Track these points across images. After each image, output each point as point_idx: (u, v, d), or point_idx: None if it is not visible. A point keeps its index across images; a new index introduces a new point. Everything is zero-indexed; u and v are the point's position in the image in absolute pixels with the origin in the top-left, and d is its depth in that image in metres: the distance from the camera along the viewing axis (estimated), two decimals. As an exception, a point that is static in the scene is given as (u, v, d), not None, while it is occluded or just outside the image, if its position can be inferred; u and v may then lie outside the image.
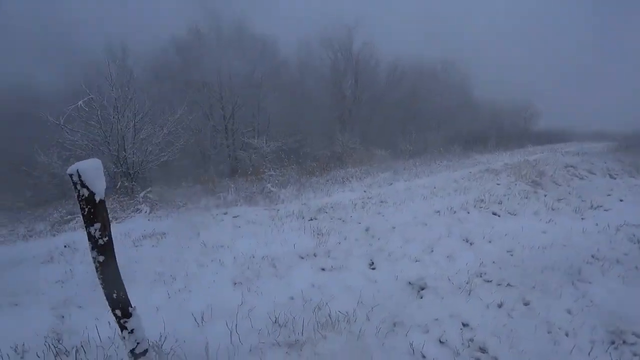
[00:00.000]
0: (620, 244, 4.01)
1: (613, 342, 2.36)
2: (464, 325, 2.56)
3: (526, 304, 2.82)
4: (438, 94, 28.23)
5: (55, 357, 2.36)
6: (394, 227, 4.84)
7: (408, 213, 5.49)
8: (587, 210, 5.46)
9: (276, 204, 7.14)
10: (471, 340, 2.39)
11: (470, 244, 4.18)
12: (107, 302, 1.73)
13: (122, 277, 1.79)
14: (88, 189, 1.55)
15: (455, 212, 5.34)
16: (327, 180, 10.43)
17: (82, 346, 2.40)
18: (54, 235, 7.44)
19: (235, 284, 3.46)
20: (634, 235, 4.21)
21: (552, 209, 5.45)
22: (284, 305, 2.90)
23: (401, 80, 27.28)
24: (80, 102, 9.01)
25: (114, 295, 1.72)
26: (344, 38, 25.39)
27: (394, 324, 2.59)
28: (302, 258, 4.01)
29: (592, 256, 3.65)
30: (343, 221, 5.35)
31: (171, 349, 2.21)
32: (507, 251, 3.90)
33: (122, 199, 9.77)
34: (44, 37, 24.06)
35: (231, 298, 3.09)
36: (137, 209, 8.30)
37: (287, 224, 5.35)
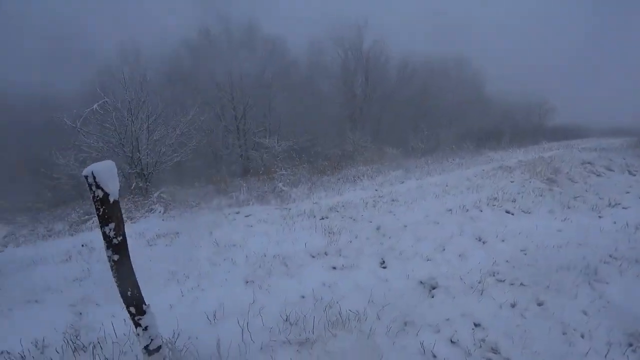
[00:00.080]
0: (640, 242, 3.90)
1: (631, 345, 2.30)
2: (476, 325, 2.54)
3: (540, 304, 2.77)
4: (449, 90, 27.85)
5: (73, 352, 2.43)
6: (405, 226, 4.81)
7: (419, 212, 5.46)
8: (605, 208, 5.32)
9: (288, 203, 7.18)
10: (483, 340, 2.36)
11: (483, 242, 4.13)
12: (122, 300, 1.78)
13: (137, 276, 1.84)
14: (102, 189, 1.60)
15: (467, 210, 5.28)
16: (339, 179, 10.44)
17: (98, 342, 2.47)
18: (72, 235, 7.66)
19: (247, 282, 3.51)
20: (654, 234, 4.09)
21: (568, 207, 5.33)
22: (295, 304, 2.93)
23: (412, 78, 27.03)
24: (95, 105, 9.21)
25: (129, 293, 1.77)
26: (354, 36, 25.33)
27: (405, 323, 2.58)
28: (313, 257, 4.03)
29: (610, 255, 3.56)
30: (354, 220, 5.35)
31: (184, 346, 2.26)
32: (521, 250, 3.84)
33: (136, 199, 9.97)
34: (59, 44, 24.69)
35: (243, 296, 3.13)
36: (151, 209, 8.46)
37: (298, 222, 5.38)
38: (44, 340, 2.64)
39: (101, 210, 1.62)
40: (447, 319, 2.60)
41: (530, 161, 8.82)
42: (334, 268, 3.70)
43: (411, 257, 3.82)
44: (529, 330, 2.45)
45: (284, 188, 9.25)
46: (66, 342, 2.53)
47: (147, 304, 1.86)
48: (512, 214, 5.13)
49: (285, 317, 2.67)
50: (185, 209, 8.08)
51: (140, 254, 4.48)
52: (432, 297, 2.99)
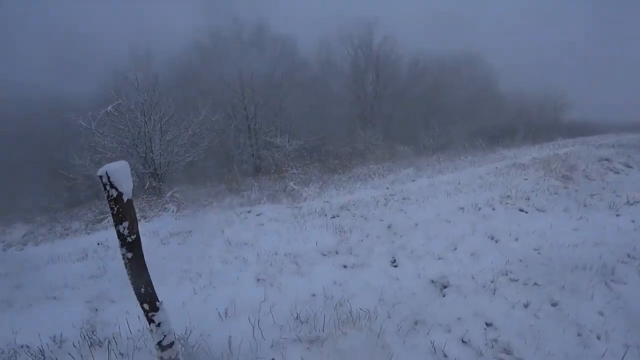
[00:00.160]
0: (660, 241, 3.79)
1: (649, 346, 2.25)
2: (488, 325, 2.51)
3: (554, 304, 2.72)
4: (461, 87, 27.50)
5: (89, 347, 2.50)
6: (416, 224, 4.78)
7: (431, 210, 5.41)
8: (623, 206, 5.18)
9: (299, 202, 7.20)
10: (495, 340, 2.33)
11: (496, 241, 4.08)
12: (136, 297, 1.82)
13: (150, 273, 1.87)
14: (116, 189, 1.63)
15: (480, 208, 5.21)
16: (349, 178, 10.42)
17: (113, 337, 2.54)
18: (88, 234, 7.85)
19: (258, 280, 3.54)
20: (674, 233, 3.97)
21: (584, 205, 5.21)
22: (305, 302, 2.94)
23: (423, 75, 26.80)
24: (110, 107, 9.42)
25: (142, 289, 1.80)
26: (364, 34, 25.25)
27: (416, 322, 2.57)
28: (324, 255, 4.04)
29: (628, 255, 3.47)
30: (365, 218, 5.34)
31: (196, 342, 2.29)
32: (535, 249, 3.77)
33: (150, 198, 10.15)
34: (74, 47, 25.30)
35: (254, 294, 3.16)
36: (165, 208, 8.60)
37: (309, 221, 5.40)
38: (61, 335, 2.72)
39: (115, 209, 1.65)
40: (459, 319, 2.58)
41: (544, 158, 8.65)
42: (345, 266, 3.71)
43: (422, 255, 3.80)
44: (542, 330, 2.41)
45: (295, 187, 9.28)
46: (83, 337, 2.61)
47: (160, 300, 1.90)
48: (526, 213, 5.04)
49: (296, 315, 2.68)
50: (198, 208, 8.19)
51: (154, 252, 4.56)
52: (444, 296, 2.97)
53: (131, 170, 1.79)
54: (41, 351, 2.49)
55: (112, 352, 2.38)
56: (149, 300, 1.83)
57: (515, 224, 4.51)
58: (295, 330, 2.49)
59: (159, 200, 9.66)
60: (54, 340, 2.68)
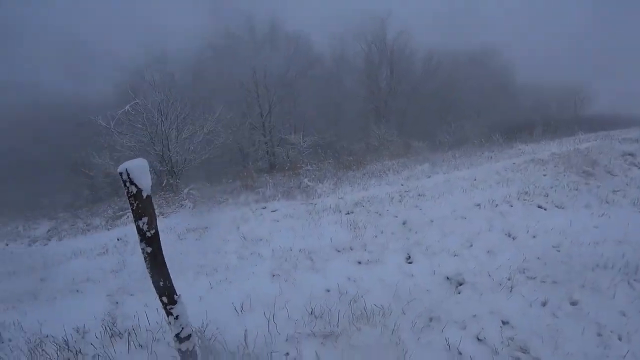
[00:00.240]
0: (687, 239, 3.65)
1: (674, 347, 2.17)
2: (504, 323, 2.47)
3: (573, 303, 2.66)
4: (477, 81, 26.91)
5: (110, 338, 2.60)
6: (431, 221, 4.74)
7: (447, 206, 5.34)
8: (648, 202, 5.01)
9: (313, 199, 7.23)
10: (511, 339, 2.30)
11: (513, 238, 4.00)
12: (155, 290, 1.87)
13: (168, 268, 1.93)
14: (136, 185, 1.68)
15: (497, 205, 5.12)
16: (364, 174, 10.38)
17: (133, 329, 2.63)
18: (108, 230, 8.09)
19: (273, 275, 3.58)
20: (703, 230, 3.82)
21: (606, 202, 5.05)
22: (320, 297, 2.96)
23: (437, 69, 26.37)
24: (127, 107, 9.65)
25: (161, 283, 1.85)
26: (377, 29, 25.00)
27: (430, 319, 2.56)
28: (338, 251, 4.05)
29: (652, 253, 3.36)
30: (380, 215, 5.32)
31: (212, 335, 2.35)
32: (554, 247, 3.69)
33: (167, 195, 10.37)
34: (89, 50, 25.96)
35: (269, 289, 3.20)
36: (182, 205, 8.77)
37: (324, 217, 5.42)
38: (84, 326, 2.84)
39: (135, 205, 1.70)
40: (474, 316, 2.55)
41: (564, 153, 8.40)
42: (359, 263, 3.71)
43: (437, 252, 3.77)
44: (560, 330, 2.36)
45: (309, 183, 9.31)
46: (104, 328, 2.71)
47: (178, 294, 1.95)
48: (545, 209, 4.93)
49: (310, 310, 2.71)
50: (214, 204, 8.32)
51: (171, 248, 4.67)
52: (459, 293, 2.94)
53: (149, 168, 1.84)
54: (65, 341, 2.59)
55: (131, 343, 2.46)
56: (167, 293, 1.88)
57: (534, 221, 4.41)
58: (310, 325, 2.52)
59: (176, 197, 9.87)
60: (77, 331, 2.79)
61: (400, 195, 6.29)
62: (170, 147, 11.48)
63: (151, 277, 1.84)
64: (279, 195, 8.20)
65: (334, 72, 25.97)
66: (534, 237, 3.98)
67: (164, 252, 1.88)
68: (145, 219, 1.73)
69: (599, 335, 2.32)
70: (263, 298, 2.98)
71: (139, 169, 1.69)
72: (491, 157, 9.98)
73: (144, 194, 1.71)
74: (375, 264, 3.65)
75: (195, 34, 22.47)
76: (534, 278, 3.05)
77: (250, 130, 21.01)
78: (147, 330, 2.59)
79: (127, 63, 18.15)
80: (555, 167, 7.04)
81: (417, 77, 26.32)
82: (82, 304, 3.60)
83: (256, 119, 21.26)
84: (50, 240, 8.87)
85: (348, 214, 5.52)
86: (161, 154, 11.50)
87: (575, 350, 2.19)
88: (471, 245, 3.86)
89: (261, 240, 4.72)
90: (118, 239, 6.21)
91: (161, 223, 6.66)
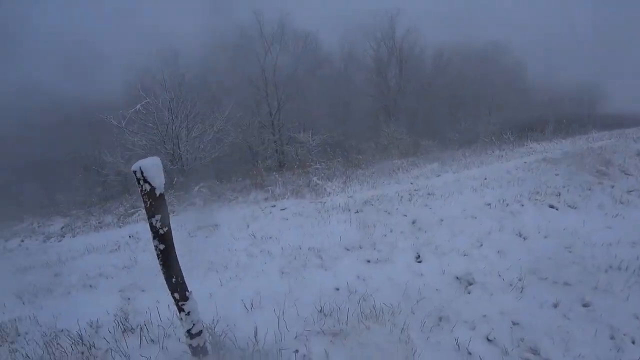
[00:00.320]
0: None
1: (689, 351, 2.13)
2: (514, 323, 2.46)
3: (586, 305, 2.62)
4: (488, 79, 26.52)
5: (123, 333, 2.67)
6: (441, 220, 4.71)
7: (457, 206, 5.31)
8: (664, 203, 4.89)
9: (322, 197, 7.25)
10: (522, 340, 2.29)
11: (524, 238, 3.96)
12: (166, 286, 1.91)
13: (180, 265, 1.97)
14: (150, 184, 1.71)
15: (507, 204, 5.06)
16: (373, 173, 10.36)
17: (145, 325, 2.68)
18: (120, 227, 8.23)
19: (283, 273, 3.61)
20: None
21: (621, 202, 4.95)
22: (329, 296, 2.98)
23: (447, 67, 26.06)
24: (138, 106, 9.79)
25: (173, 279, 1.89)
26: (386, 27, 24.78)
27: (440, 319, 2.56)
28: (347, 250, 4.07)
29: (668, 255, 3.28)
30: (389, 213, 5.30)
31: (222, 332, 2.38)
32: (566, 247, 3.63)
33: (178, 193, 10.48)
34: (98, 50, 26.34)
35: (278, 287, 3.23)
36: (192, 203, 8.87)
37: (333, 216, 5.43)
38: (97, 321, 2.91)
39: (148, 202, 1.74)
40: (484, 316, 2.54)
41: (577, 152, 8.24)
42: (369, 261, 3.72)
43: (447, 252, 3.75)
44: (572, 332, 2.33)
45: (318, 182, 9.33)
46: (117, 323, 2.78)
47: (189, 290, 1.98)
48: (557, 209, 4.85)
49: (319, 308, 2.73)
50: (224, 202, 8.40)
51: (183, 245, 4.71)
52: (469, 293, 2.93)
53: (161, 166, 1.87)
54: (79, 335, 2.66)
55: (143, 338, 2.51)
56: (179, 289, 1.92)
57: (545, 221, 4.35)
58: (319, 323, 2.54)
59: (186, 195, 9.97)
60: (91, 326, 2.86)
61: (409, 194, 6.26)
62: (180, 145, 11.61)
63: (164, 273, 1.88)
64: (289, 194, 8.23)
65: (343, 70, 25.88)
66: (546, 237, 3.94)
67: (175, 250, 1.92)
68: (158, 217, 1.77)
69: (612, 338, 2.28)
70: (273, 295, 3.01)
71: (153, 168, 1.72)
72: (502, 156, 9.86)
73: (157, 192, 1.75)
74: (385, 263, 3.65)
75: (204, 33, 22.63)
76: (546, 279, 3.02)
77: (259, 129, 21.08)
78: (158, 325, 2.64)
79: (137, 63, 18.39)
80: (567, 166, 6.92)
81: (427, 75, 26.05)
82: (95, 299, 3.69)
83: (265, 117, 21.32)
84: (64, 236, 9.07)
85: (357, 212, 5.52)
86: (172, 152, 11.64)
87: (587, 352, 2.16)
88: (481, 245, 3.84)
89: (271, 238, 4.76)
90: (130, 236, 6.32)
91: (172, 220, 6.75)
